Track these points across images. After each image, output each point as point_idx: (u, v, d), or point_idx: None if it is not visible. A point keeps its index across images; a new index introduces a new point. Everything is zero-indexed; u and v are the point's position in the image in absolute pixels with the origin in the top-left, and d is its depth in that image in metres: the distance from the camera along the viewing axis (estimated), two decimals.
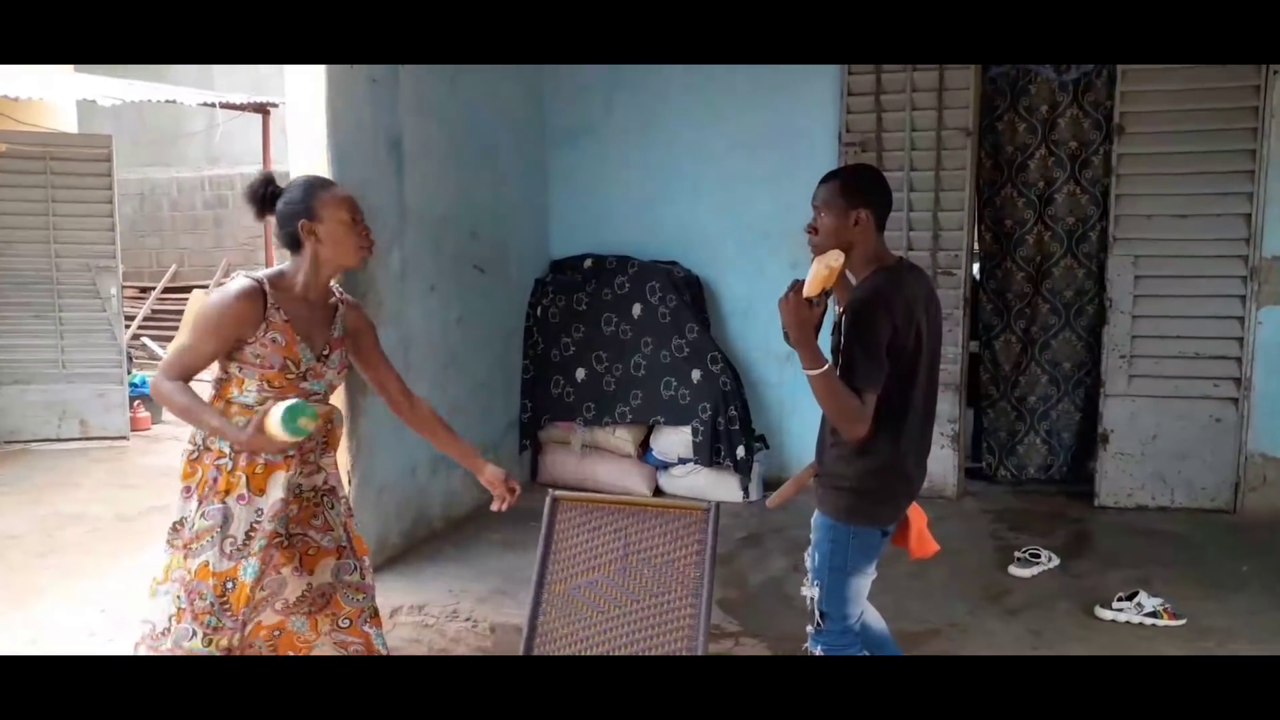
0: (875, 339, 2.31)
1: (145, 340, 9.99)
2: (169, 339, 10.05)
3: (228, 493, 2.34)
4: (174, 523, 2.37)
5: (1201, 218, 4.56)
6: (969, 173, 4.78)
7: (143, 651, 2.36)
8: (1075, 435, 5.15)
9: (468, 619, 3.53)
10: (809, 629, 2.58)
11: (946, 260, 4.77)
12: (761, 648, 3.29)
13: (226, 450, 2.34)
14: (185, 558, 2.33)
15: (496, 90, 4.86)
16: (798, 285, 2.35)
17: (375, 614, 2.62)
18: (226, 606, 2.33)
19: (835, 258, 2.34)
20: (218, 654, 2.33)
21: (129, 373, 6.98)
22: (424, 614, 3.58)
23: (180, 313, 10.26)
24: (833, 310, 2.65)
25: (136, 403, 6.93)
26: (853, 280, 2.54)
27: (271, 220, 2.43)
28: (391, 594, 3.70)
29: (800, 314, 2.33)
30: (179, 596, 2.32)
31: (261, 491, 2.35)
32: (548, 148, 5.44)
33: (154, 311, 10.81)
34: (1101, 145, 4.85)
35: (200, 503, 2.34)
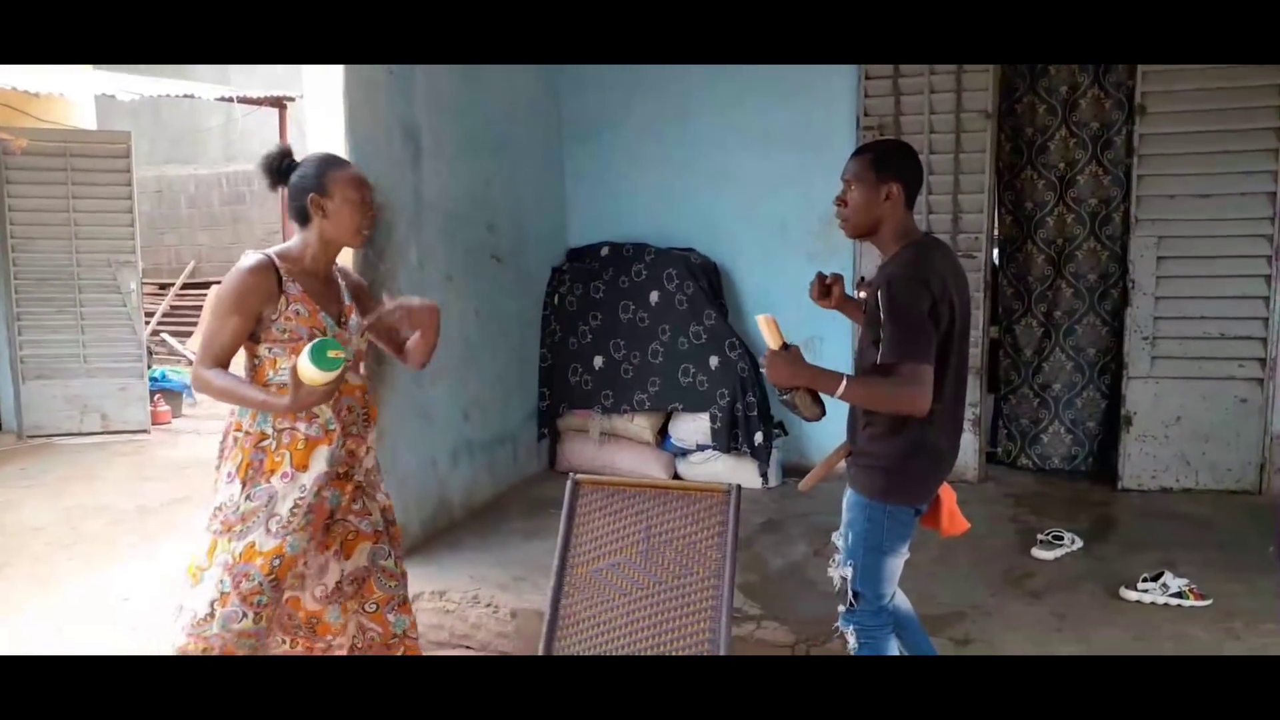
0: (917, 309, 2.28)
1: (165, 336, 10.07)
2: (188, 335, 10.13)
3: (272, 472, 2.36)
4: (214, 508, 2.38)
5: (1225, 197, 4.50)
6: (988, 155, 4.74)
7: (184, 640, 2.36)
8: (1101, 424, 5.06)
9: (489, 604, 3.53)
10: (840, 608, 2.57)
11: (966, 243, 4.73)
12: (783, 631, 3.28)
13: (269, 431, 2.36)
14: (230, 540, 2.34)
15: (513, 84, 4.85)
16: (768, 354, 2.40)
17: (404, 603, 2.64)
18: (275, 582, 2.36)
19: (763, 318, 2.47)
20: (262, 627, 2.36)
21: (149, 367, 7.03)
22: (445, 600, 3.59)
23: (199, 308, 10.34)
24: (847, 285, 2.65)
25: (157, 397, 6.99)
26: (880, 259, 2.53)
27: (285, 197, 2.48)
28: (413, 581, 3.66)
29: (785, 362, 2.37)
30: (222, 581, 2.33)
31: (304, 467, 2.38)
32: (565, 141, 5.43)
33: (173, 308, 10.89)
34: (1124, 126, 4.80)
35: (244, 485, 2.35)
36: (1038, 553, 3.90)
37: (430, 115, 4.16)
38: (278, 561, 2.35)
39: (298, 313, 2.37)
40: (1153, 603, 3.39)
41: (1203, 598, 3.38)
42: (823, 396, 2.43)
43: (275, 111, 7.88)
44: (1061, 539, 3.93)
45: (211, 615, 2.32)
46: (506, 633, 3.49)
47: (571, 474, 2.77)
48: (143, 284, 6.58)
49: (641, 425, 5.04)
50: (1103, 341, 5.03)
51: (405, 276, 4.03)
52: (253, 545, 2.33)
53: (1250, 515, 4.36)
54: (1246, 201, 4.48)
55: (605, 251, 5.23)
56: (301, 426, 2.38)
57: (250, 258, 2.38)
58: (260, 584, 2.33)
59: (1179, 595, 3.38)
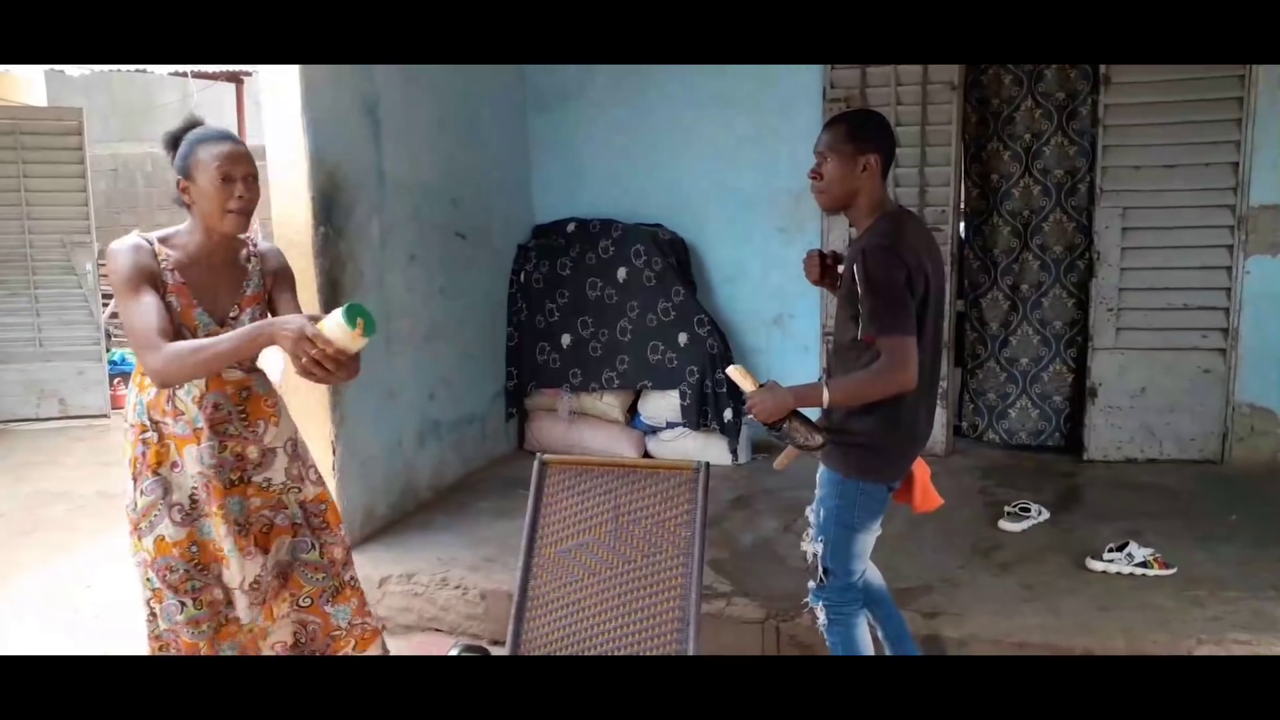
0: (893, 281, 2.26)
1: None
2: None
3: (159, 464, 2.25)
4: (126, 507, 2.29)
5: (1189, 167, 4.52)
6: (955, 127, 4.73)
7: (147, 644, 2.32)
8: (1067, 398, 5.03)
9: (457, 586, 3.50)
10: (810, 584, 2.56)
11: (933, 217, 4.72)
12: (753, 607, 3.27)
13: (147, 423, 2.24)
14: (140, 538, 2.25)
15: None
16: (747, 398, 2.39)
17: (338, 592, 2.48)
18: (200, 567, 2.28)
19: (731, 369, 2.45)
20: (205, 613, 2.27)
21: (108, 350, 6.89)
22: (413, 583, 3.55)
23: None
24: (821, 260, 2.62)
25: (116, 380, 6.85)
26: (854, 232, 2.50)
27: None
28: (380, 564, 3.67)
29: (766, 396, 2.35)
30: (149, 579, 2.26)
31: (184, 460, 2.26)
32: (529, 112, 5.35)
33: None
34: (1089, 96, 4.78)
35: (135, 481, 2.26)
36: (1005, 525, 3.92)
37: (391, 89, 4.07)
38: (195, 549, 2.26)
39: (169, 305, 2.18)
40: (1118, 572, 3.42)
41: (1166, 566, 3.42)
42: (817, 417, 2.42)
43: (233, 86, 7.72)
44: (1029, 511, 3.96)
45: (154, 614, 2.28)
46: (476, 615, 3.46)
47: (539, 454, 2.75)
48: (99, 265, 6.42)
49: (610, 403, 5.01)
50: (1069, 314, 5.01)
51: (367, 256, 3.95)
52: (163, 538, 2.24)
53: (1213, 485, 4.41)
54: (1210, 172, 4.51)
55: (571, 228, 5.17)
56: (169, 422, 2.24)
57: (124, 239, 2.20)
58: (186, 571, 2.25)
59: (1144, 565, 3.41)
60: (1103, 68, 4.59)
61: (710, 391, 4.80)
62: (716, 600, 3.31)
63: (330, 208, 3.73)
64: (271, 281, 2.40)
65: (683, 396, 4.84)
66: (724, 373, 2.52)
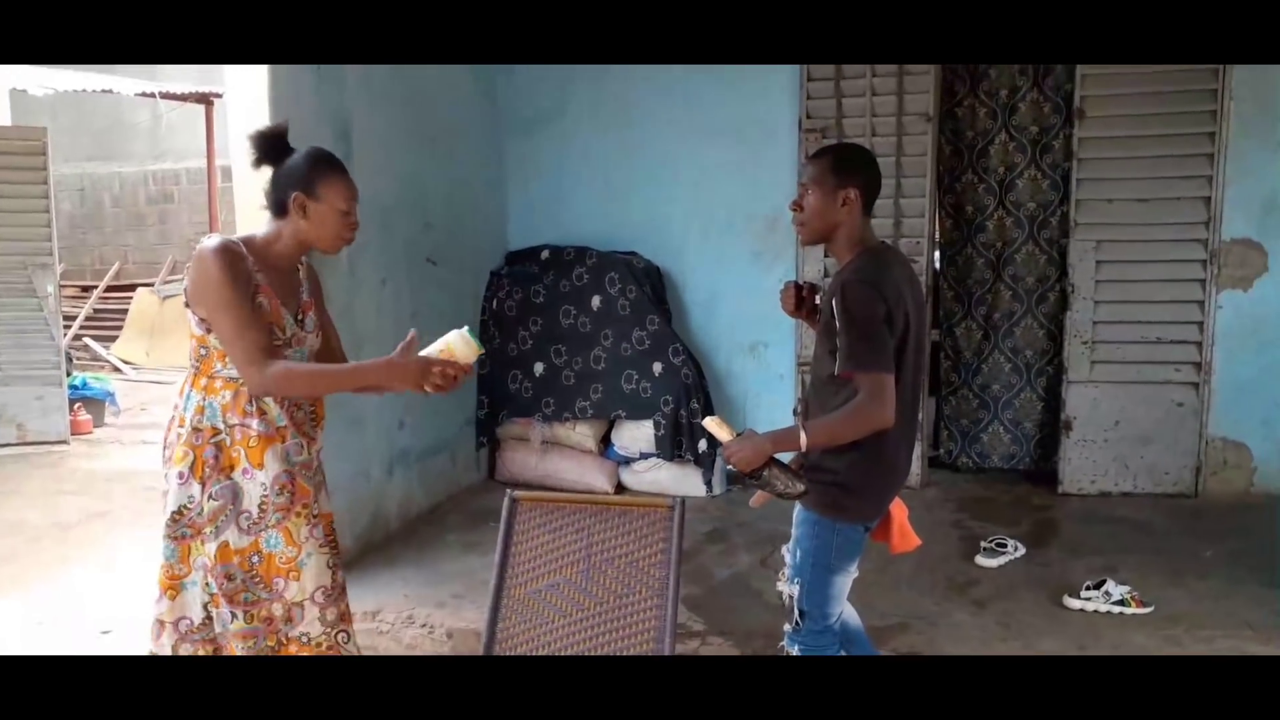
0: (873, 317, 2.22)
1: (88, 340, 9.71)
2: (112, 339, 9.76)
3: (231, 469, 2.23)
4: (173, 512, 2.22)
5: (1162, 201, 4.55)
6: (930, 159, 4.73)
7: (169, 649, 2.25)
8: (1038, 425, 5.11)
9: (424, 625, 3.40)
10: (786, 628, 2.50)
11: (908, 247, 4.70)
12: (728, 646, 3.21)
13: (220, 426, 2.22)
14: (202, 543, 2.22)
15: (449, 77, 4.71)
16: (724, 448, 2.35)
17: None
18: (258, 580, 2.26)
19: (708, 420, 2.42)
20: (260, 628, 2.26)
21: (69, 374, 6.73)
22: (378, 620, 3.45)
23: (124, 312, 9.98)
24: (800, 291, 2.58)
25: (77, 406, 6.69)
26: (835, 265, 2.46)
27: (260, 184, 2.30)
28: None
29: (744, 444, 2.30)
30: (208, 584, 2.22)
31: (260, 465, 2.24)
32: (504, 136, 5.30)
33: (96, 311, 10.49)
34: (1062, 129, 4.83)
35: (204, 485, 2.21)
36: (981, 560, 3.88)
37: (362, 110, 4.01)
38: (257, 559, 2.25)
39: (260, 305, 2.21)
40: (1095, 610, 3.39)
41: (1144, 605, 3.39)
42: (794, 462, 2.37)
43: (202, 108, 7.62)
44: (1005, 546, 3.93)
45: (209, 619, 2.24)
46: (443, 654, 3.36)
47: (509, 491, 2.67)
48: (64, 286, 6.28)
49: (584, 433, 4.94)
50: (1040, 344, 5.07)
51: (336, 281, 3.86)
52: (227, 545, 2.22)
53: (1187, 519, 4.41)
54: (1183, 206, 4.53)
55: (545, 254, 5.12)
56: (253, 423, 2.24)
57: (216, 239, 2.21)
58: (243, 581, 2.24)
59: (1121, 603, 3.38)
60: (1077, 100, 4.61)
61: (685, 421, 4.74)
62: (691, 640, 3.24)
63: None
64: (314, 287, 2.46)
65: (657, 427, 4.78)
66: (701, 424, 2.46)
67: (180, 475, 2.22)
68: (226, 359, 2.21)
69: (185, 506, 2.22)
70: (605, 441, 5.01)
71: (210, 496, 2.21)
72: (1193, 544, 4.05)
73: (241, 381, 2.20)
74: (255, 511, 2.24)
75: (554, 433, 4.99)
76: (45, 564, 4.23)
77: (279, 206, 2.26)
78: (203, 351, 2.24)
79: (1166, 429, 4.65)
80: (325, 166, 2.28)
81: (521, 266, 5.16)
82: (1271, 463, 4.62)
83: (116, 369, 9.19)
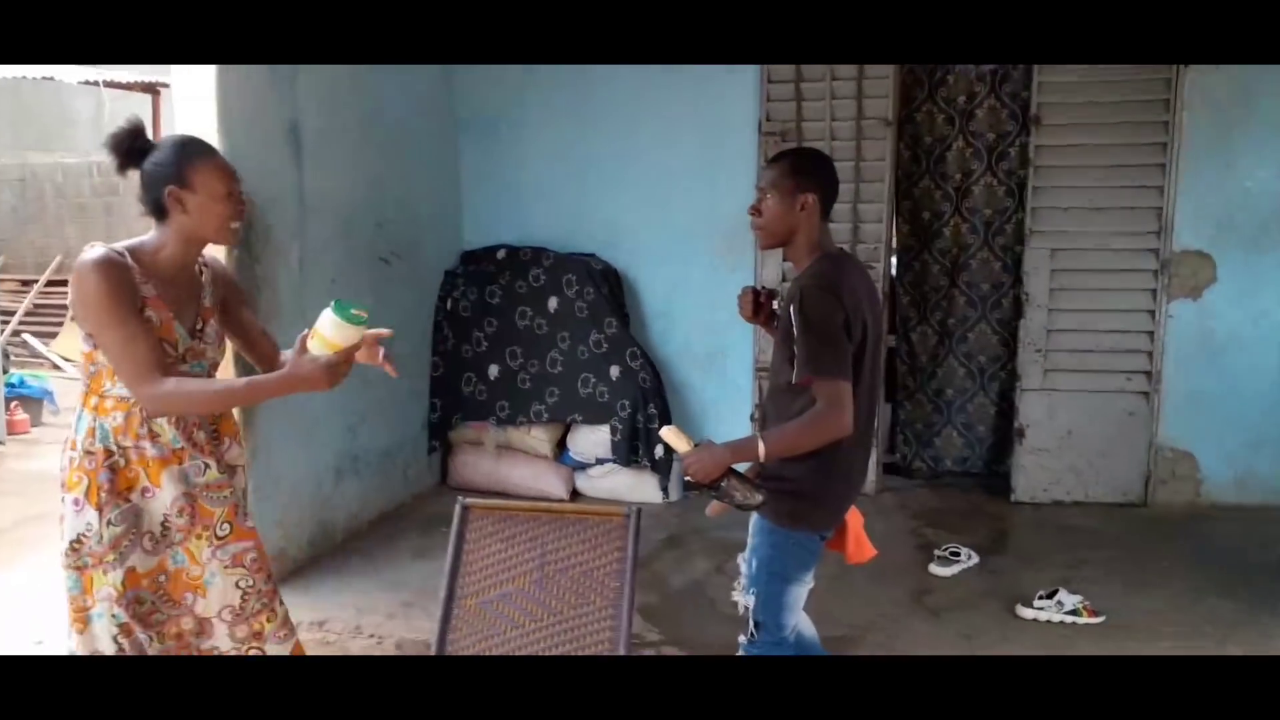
0: (830, 322, 2.19)
1: (26, 337, 9.40)
2: (53, 335, 9.47)
3: (129, 490, 2.10)
4: (71, 541, 2.09)
5: (1116, 210, 4.58)
6: (889, 163, 4.73)
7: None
8: (991, 429, 5.18)
9: (372, 635, 3.31)
10: (741, 639, 2.46)
11: (865, 253, 4.70)
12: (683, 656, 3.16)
13: (114, 449, 2.09)
14: (105, 572, 2.07)
15: (404, 75, 4.60)
16: (683, 459, 2.29)
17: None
18: (167, 599, 2.15)
19: (665, 429, 2.34)
20: (173, 645, 2.16)
21: (5, 372, 6.50)
22: (325, 630, 3.35)
23: (65, 307, 9.68)
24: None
25: (14, 404, 6.47)
26: (791, 272, 2.42)
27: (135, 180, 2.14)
28: (291, 610, 3.44)
29: (702, 454, 2.24)
30: (115, 614, 2.08)
31: (160, 486, 2.12)
32: (460, 134, 5.20)
33: (36, 306, 10.16)
34: (1018, 137, 4.86)
35: (100, 511, 2.07)
36: (935, 569, 3.88)
37: (313, 108, 3.90)
38: (163, 578, 2.14)
39: (149, 320, 2.07)
40: (1048, 620, 3.40)
41: (1095, 614, 3.40)
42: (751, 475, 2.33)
43: (149, 97, 7.42)
44: (959, 555, 3.93)
45: (122, 650, 2.11)
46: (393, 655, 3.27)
47: (460, 499, 2.59)
48: (2, 280, 6.06)
49: (539, 438, 4.86)
50: (993, 350, 5.13)
51: (285, 279, 3.77)
52: (134, 570, 2.09)
53: (1139, 527, 4.45)
54: (1136, 215, 4.58)
55: (502, 254, 5.04)
56: (146, 446, 2.11)
57: (97, 250, 2.06)
58: (153, 603, 2.13)
59: (1073, 613, 3.39)
60: (1033, 108, 4.63)
61: (642, 427, 4.69)
62: (645, 649, 3.19)
63: (246, 229, 3.53)
64: (224, 294, 2.31)
65: (613, 432, 4.72)
66: (658, 435, 2.40)
67: (75, 501, 2.09)
68: (114, 377, 2.07)
69: (83, 535, 2.08)
70: (561, 446, 4.93)
71: (109, 523, 2.08)
72: (1146, 553, 4.09)
73: (134, 401, 2.06)
74: (159, 531, 2.13)
75: (508, 437, 4.90)
76: None
77: (157, 208, 2.11)
78: (91, 369, 2.10)
79: (1118, 438, 4.69)
80: (192, 153, 2.13)
81: (477, 266, 5.07)
82: (1219, 473, 4.68)
83: (56, 366, 8.91)
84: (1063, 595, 3.42)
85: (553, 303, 4.86)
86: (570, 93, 5.04)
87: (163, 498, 2.12)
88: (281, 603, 2.36)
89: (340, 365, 2.03)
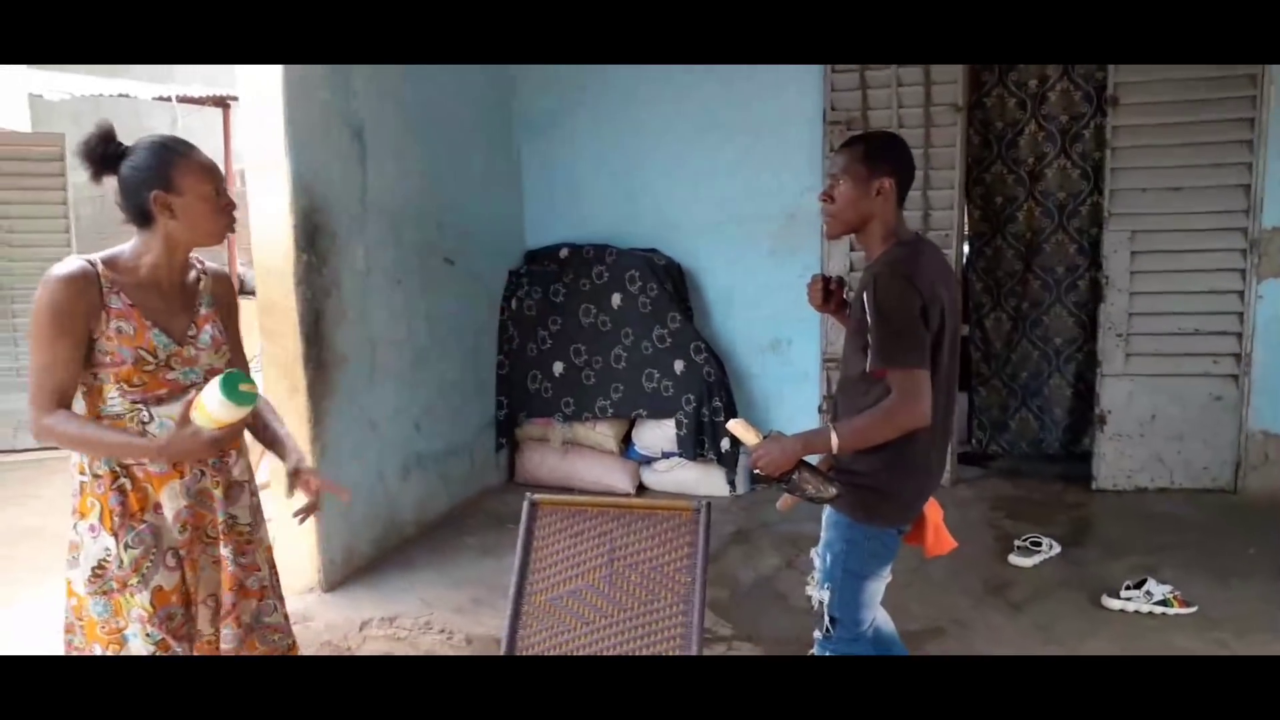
0: (906, 310, 2.11)
1: None
2: None
3: (142, 510, 2.06)
4: (93, 568, 2.06)
5: (1199, 190, 4.40)
6: (959, 150, 4.60)
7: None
8: (1067, 411, 5.10)
9: (442, 630, 3.32)
10: (816, 634, 2.39)
11: (937, 240, 4.56)
12: (757, 652, 3.11)
13: (118, 469, 2.05)
14: (132, 594, 2.05)
15: (463, 77, 4.63)
16: (752, 451, 2.24)
17: (291, 648, 2.32)
18: (190, 608, 2.13)
19: (732, 422, 2.29)
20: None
21: None
22: (395, 626, 3.37)
23: None
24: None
25: None
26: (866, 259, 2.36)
27: (114, 186, 2.05)
28: (361, 606, 3.51)
29: (771, 447, 2.19)
30: (150, 634, 2.05)
31: (162, 504, 2.09)
32: (519, 135, 5.22)
33: None
34: (1092, 118, 4.72)
35: (116, 536, 2.04)
36: (1015, 560, 3.77)
37: (376, 111, 3.94)
38: (187, 591, 2.13)
39: (119, 330, 2.00)
40: (1136, 611, 3.27)
41: (1186, 605, 3.27)
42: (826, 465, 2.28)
43: (220, 111, 7.58)
44: (1040, 545, 3.81)
45: None
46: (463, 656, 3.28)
47: (528, 495, 2.58)
48: None
49: (605, 433, 4.85)
50: (1069, 332, 5.05)
51: (350, 282, 3.81)
52: (160, 588, 2.06)
53: (1227, 515, 4.27)
54: (1221, 194, 4.38)
55: (564, 253, 5.04)
56: (145, 462, 2.05)
57: (64, 265, 2.00)
58: (182, 616, 2.11)
59: (1163, 603, 3.26)
60: (1109, 89, 4.47)
61: (707, 420, 4.64)
62: (717, 645, 3.14)
63: (314, 233, 3.59)
64: (228, 303, 2.24)
65: (679, 426, 4.68)
66: (724, 428, 2.35)
67: (91, 528, 2.05)
68: (105, 393, 2.02)
69: (104, 561, 2.05)
70: (626, 441, 4.92)
71: (127, 546, 2.04)
72: (1235, 542, 3.92)
73: (128, 417, 2.02)
74: (179, 547, 2.10)
75: (574, 433, 4.90)
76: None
77: (140, 215, 2.03)
78: (85, 388, 2.05)
79: (1204, 423, 4.51)
80: (174, 154, 2.03)
81: (540, 265, 5.08)
82: None
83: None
84: (1151, 585, 3.29)
85: (616, 299, 4.84)
86: (625, 91, 5.02)
87: (169, 512, 2.08)
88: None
89: (222, 441, 1.91)
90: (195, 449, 1.91)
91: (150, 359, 2.03)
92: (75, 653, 2.13)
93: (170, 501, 2.08)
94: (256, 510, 2.26)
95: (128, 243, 2.09)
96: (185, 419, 1.88)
